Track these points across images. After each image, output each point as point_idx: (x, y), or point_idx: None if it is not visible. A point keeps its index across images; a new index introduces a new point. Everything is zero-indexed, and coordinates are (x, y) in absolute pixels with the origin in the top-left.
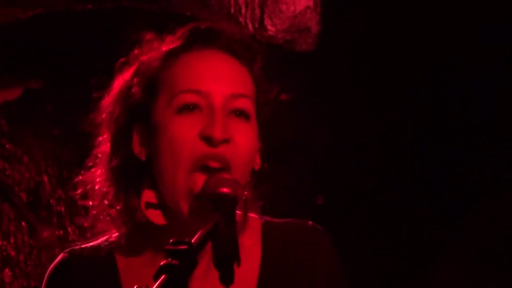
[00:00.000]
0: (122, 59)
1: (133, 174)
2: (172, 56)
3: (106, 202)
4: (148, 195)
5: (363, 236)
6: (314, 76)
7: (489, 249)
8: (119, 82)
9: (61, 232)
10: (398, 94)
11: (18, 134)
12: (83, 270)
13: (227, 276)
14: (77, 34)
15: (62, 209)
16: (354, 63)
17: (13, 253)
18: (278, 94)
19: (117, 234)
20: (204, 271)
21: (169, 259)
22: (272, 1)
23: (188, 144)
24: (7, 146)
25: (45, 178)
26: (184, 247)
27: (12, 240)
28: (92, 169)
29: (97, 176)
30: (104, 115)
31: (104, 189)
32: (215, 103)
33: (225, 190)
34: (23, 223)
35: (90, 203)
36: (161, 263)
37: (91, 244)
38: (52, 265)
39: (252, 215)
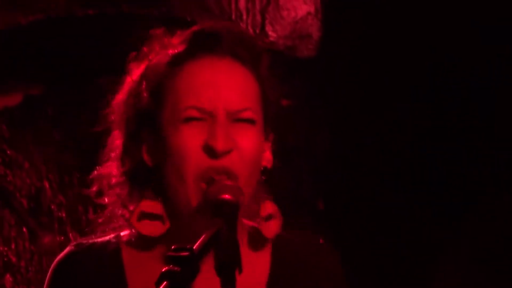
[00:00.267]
0: (133, 54)
1: (143, 178)
2: (176, 64)
3: (120, 201)
4: (146, 205)
5: (363, 236)
6: (315, 82)
7: (488, 249)
8: (129, 81)
9: (62, 238)
10: (398, 94)
11: (19, 139)
12: (88, 264)
13: (228, 283)
14: (77, 39)
15: (63, 215)
16: (355, 66)
17: (14, 259)
18: (281, 99)
19: (126, 232)
20: (206, 277)
21: (171, 265)
22: (273, 7)
23: (192, 155)
24: (8, 152)
25: (46, 184)
26: (186, 253)
27: (13, 246)
28: (107, 164)
29: (112, 173)
30: (115, 115)
31: (119, 188)
32: (219, 118)
33: (226, 196)
34: (24, 229)
35: (106, 200)
36: (163, 270)
37: (99, 239)
38: (58, 257)
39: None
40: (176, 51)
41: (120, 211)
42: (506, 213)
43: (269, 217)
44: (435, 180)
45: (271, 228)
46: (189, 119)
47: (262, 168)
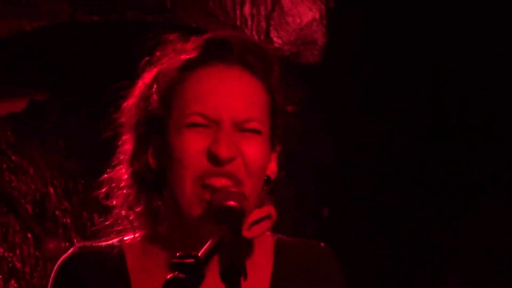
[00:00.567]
0: (146, 58)
1: (149, 181)
2: (186, 69)
3: (127, 203)
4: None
5: (363, 237)
6: (320, 88)
7: (488, 249)
8: (141, 85)
9: (67, 243)
10: (398, 95)
11: (23, 145)
12: (92, 266)
13: None
14: (82, 46)
15: (68, 220)
16: (358, 69)
17: (19, 265)
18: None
19: (131, 235)
20: (211, 284)
21: (176, 272)
22: (278, 13)
23: (193, 159)
24: (13, 157)
25: (51, 190)
26: (191, 260)
27: (18, 252)
28: (117, 168)
29: (122, 176)
30: (126, 119)
31: (126, 191)
32: (224, 126)
33: (231, 203)
34: (29, 235)
35: (114, 202)
36: (168, 277)
37: (104, 242)
38: (61, 258)
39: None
40: (188, 56)
41: (125, 213)
42: (506, 213)
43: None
44: (435, 180)
45: (257, 229)
46: (194, 125)
47: (265, 178)
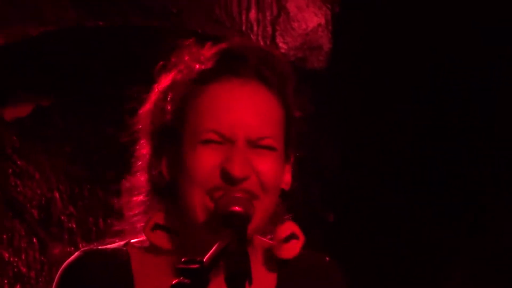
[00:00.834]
0: (161, 63)
1: (163, 189)
2: (201, 83)
3: (141, 209)
4: (160, 217)
5: (363, 237)
6: (325, 93)
7: (488, 249)
8: (156, 91)
9: (72, 248)
10: (398, 95)
11: (29, 150)
12: (97, 269)
13: None
14: (87, 51)
15: (73, 225)
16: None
17: (24, 270)
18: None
19: (135, 240)
20: None
21: (181, 277)
22: (283, 18)
23: (204, 175)
24: (19, 162)
25: (57, 195)
26: (196, 266)
27: (23, 257)
28: (135, 174)
29: (139, 182)
30: (142, 124)
31: (142, 197)
32: (238, 144)
33: (236, 208)
34: (35, 240)
35: (130, 206)
36: (173, 282)
37: (109, 246)
38: (66, 262)
39: (270, 241)
40: (202, 67)
41: (137, 218)
42: (506, 213)
43: (289, 238)
44: (436, 180)
45: (290, 249)
46: (208, 141)
47: (280, 191)
